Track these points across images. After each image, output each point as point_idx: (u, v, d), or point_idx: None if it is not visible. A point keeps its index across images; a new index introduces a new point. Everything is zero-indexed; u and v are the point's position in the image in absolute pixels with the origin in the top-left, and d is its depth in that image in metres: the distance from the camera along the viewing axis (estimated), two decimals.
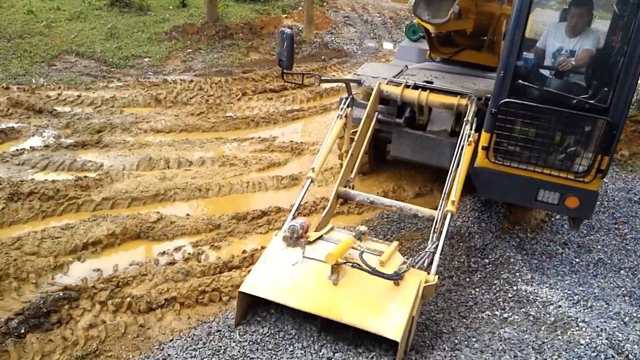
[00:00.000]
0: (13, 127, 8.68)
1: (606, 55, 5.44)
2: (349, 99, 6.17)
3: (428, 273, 4.25)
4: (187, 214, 6.71)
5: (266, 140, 9.17)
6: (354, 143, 5.85)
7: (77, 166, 7.66)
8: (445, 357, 4.10)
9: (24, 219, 6.29)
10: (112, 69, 12.35)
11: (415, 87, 6.26)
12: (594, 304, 5.02)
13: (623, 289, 5.52)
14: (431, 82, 6.50)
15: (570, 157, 5.06)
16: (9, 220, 6.22)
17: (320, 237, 4.58)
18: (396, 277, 4.02)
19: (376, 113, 6.30)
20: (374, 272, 4.02)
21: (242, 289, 4.27)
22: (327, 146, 5.65)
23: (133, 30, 14.76)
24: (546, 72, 5.52)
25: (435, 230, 4.75)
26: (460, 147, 5.29)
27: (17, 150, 7.99)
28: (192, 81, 11.69)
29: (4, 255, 5.48)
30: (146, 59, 13.17)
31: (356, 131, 6.00)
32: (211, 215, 6.75)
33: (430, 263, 4.38)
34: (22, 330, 4.60)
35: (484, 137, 5.21)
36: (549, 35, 5.52)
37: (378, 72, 7.05)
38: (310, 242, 4.49)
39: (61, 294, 4.97)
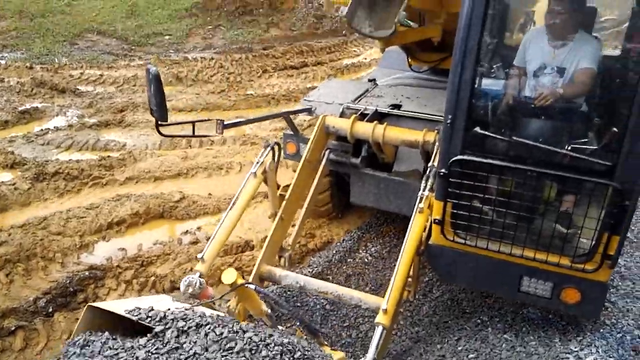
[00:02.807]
0: (37, 107, 8.81)
1: (615, 75, 3.58)
2: (268, 149, 4.39)
3: None
4: (209, 193, 6.75)
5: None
6: (284, 202, 4.40)
7: (100, 146, 7.75)
8: (469, 336, 4.09)
9: (50, 198, 6.40)
10: (134, 47, 12.39)
11: (376, 115, 4.95)
12: (620, 283, 4.91)
13: None
14: (400, 106, 5.13)
15: (564, 234, 3.44)
16: (35, 200, 6.34)
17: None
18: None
19: (327, 152, 4.95)
20: None
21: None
22: (228, 222, 3.94)
23: (153, 8, 14.74)
24: (522, 108, 3.67)
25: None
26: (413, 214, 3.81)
27: (42, 130, 8.11)
28: (212, 59, 11.67)
29: (31, 235, 5.59)
30: (167, 37, 13.17)
31: (287, 186, 4.62)
32: (233, 194, 6.74)
33: None
34: (50, 309, 4.71)
35: (436, 206, 3.66)
36: (528, 47, 3.71)
37: (335, 95, 5.43)
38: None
39: (87, 273, 5.07)
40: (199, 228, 6.06)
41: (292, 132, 5.22)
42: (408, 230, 3.69)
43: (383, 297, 3.47)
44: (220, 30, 13.93)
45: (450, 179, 3.46)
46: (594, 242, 3.30)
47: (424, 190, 3.80)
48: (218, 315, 2.87)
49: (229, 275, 3.01)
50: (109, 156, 7.37)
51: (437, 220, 3.68)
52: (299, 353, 2.53)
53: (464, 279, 4.04)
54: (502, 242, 3.52)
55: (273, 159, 4.41)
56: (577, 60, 3.44)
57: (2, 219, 5.98)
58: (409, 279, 3.77)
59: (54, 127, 8.20)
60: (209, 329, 2.59)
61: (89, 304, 2.86)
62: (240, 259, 5.46)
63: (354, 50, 13.50)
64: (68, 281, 4.94)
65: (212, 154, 7.74)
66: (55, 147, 7.65)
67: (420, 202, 3.75)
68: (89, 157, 7.36)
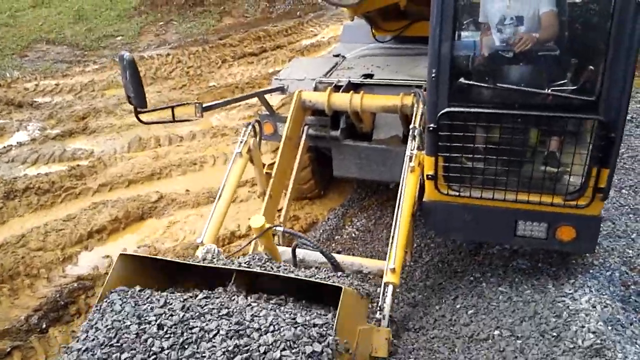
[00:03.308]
0: None
1: (585, 15, 3.72)
2: (250, 127, 4.41)
3: None
4: (187, 190, 6.67)
5: (254, 106, 9.04)
6: (271, 180, 4.41)
7: (67, 156, 7.57)
8: (465, 294, 4.17)
9: (24, 215, 6.24)
10: (86, 53, 12.09)
11: (350, 86, 4.91)
12: (602, 224, 5.09)
13: (627, 207, 5.58)
14: (371, 75, 5.15)
15: (554, 174, 3.58)
16: (9, 219, 6.17)
17: None
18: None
19: (306, 128, 5.00)
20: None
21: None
22: (223, 203, 3.99)
23: (101, 10, 14.37)
24: (500, 56, 3.71)
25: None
26: (402, 175, 3.84)
27: (4, 147, 7.86)
28: (168, 54, 11.47)
29: (11, 255, 5.45)
30: (118, 38, 12.88)
31: (273, 164, 4.60)
32: (211, 187, 6.71)
33: None
34: (44, 325, 4.62)
35: (428, 162, 3.75)
36: (486, 3, 3.73)
37: (306, 71, 5.43)
38: None
39: (75, 285, 4.97)
40: (182, 225, 6.01)
41: (267, 113, 5.18)
42: (401, 190, 3.74)
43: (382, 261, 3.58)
44: (172, 25, 13.67)
45: (440, 133, 3.57)
46: (584, 178, 3.44)
47: (412, 150, 3.84)
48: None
49: (258, 220, 3.30)
50: (78, 165, 7.20)
51: (429, 176, 3.79)
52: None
53: (461, 232, 4.16)
54: (495, 189, 3.66)
55: (255, 137, 4.42)
56: (535, 6, 3.50)
57: None
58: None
59: (17, 143, 7.96)
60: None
61: (121, 253, 3.04)
62: (229, 250, 5.44)
63: (311, 31, 13.43)
64: (57, 295, 4.84)
65: (184, 150, 7.64)
66: (21, 163, 7.43)
67: (410, 161, 3.80)
68: (57, 169, 7.17)
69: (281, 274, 2.98)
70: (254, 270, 3.01)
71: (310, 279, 2.93)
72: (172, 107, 4.13)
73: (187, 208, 6.28)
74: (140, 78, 3.72)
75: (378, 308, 3.36)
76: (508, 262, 4.62)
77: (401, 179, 3.82)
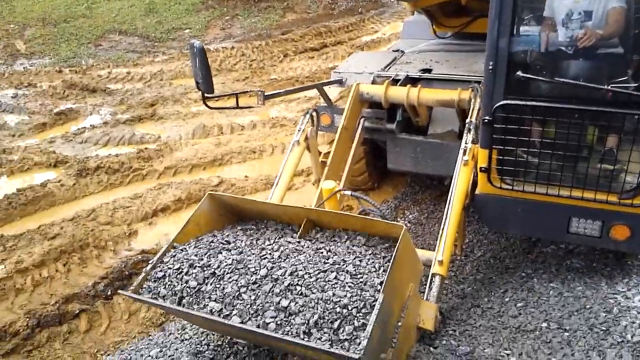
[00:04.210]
0: (71, 107, 9.09)
1: None
2: (307, 116, 4.63)
3: None
4: (246, 176, 6.92)
5: (312, 99, 9.23)
6: (326, 168, 4.47)
7: (136, 139, 7.99)
8: (515, 288, 4.19)
9: (95, 192, 6.66)
10: (156, 44, 12.63)
11: (408, 80, 4.96)
12: None
13: None
14: (430, 70, 5.19)
15: (610, 172, 3.53)
16: (81, 195, 6.60)
17: None
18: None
19: (362, 120, 5.01)
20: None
21: None
22: (279, 188, 4.22)
23: (170, 3, 14.93)
24: (560, 51, 3.69)
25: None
26: (455, 168, 3.92)
27: (79, 129, 8.38)
28: (233, 48, 11.83)
29: (82, 227, 5.84)
30: (187, 31, 13.36)
31: (329, 153, 4.64)
32: (268, 175, 6.94)
33: None
34: (109, 292, 4.95)
35: (482, 155, 3.77)
36: None
37: (365, 64, 5.51)
38: None
39: (140, 257, 5.29)
40: None
41: (325, 105, 5.33)
42: (453, 183, 3.80)
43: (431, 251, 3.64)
44: (237, 19, 14.07)
45: (495, 125, 3.59)
46: None
47: (466, 143, 3.88)
48: None
49: (328, 184, 3.97)
50: (146, 148, 7.59)
51: (483, 169, 3.79)
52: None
53: (513, 226, 4.15)
54: (549, 184, 3.65)
55: (312, 126, 4.60)
56: (603, 1, 3.46)
57: (53, 214, 6.24)
58: (456, 234, 3.85)
59: (90, 126, 8.47)
60: None
61: (209, 192, 3.61)
62: None
63: (372, 27, 13.50)
64: (123, 265, 5.17)
65: (244, 139, 7.91)
66: (93, 144, 7.91)
67: (464, 154, 3.84)
68: (127, 151, 7.60)
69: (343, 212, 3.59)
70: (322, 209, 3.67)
71: (373, 218, 3.46)
72: (237, 95, 4.33)
73: (245, 193, 6.52)
74: (208, 65, 3.93)
75: (425, 299, 3.42)
76: (562, 260, 4.59)
77: (454, 172, 3.87)
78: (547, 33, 3.67)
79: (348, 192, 4.06)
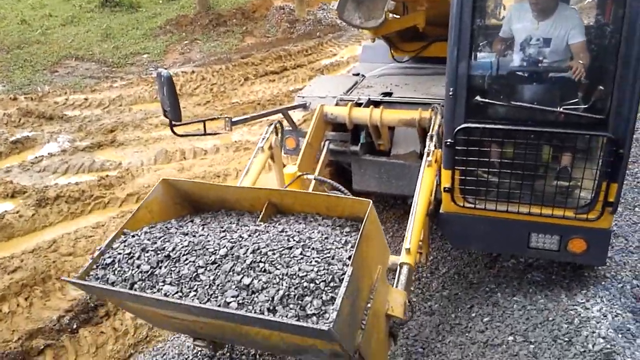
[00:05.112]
0: (28, 136, 8.89)
1: (595, 42, 3.88)
2: (273, 125, 4.66)
3: None
4: None
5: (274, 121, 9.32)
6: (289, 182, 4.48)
7: (96, 167, 7.87)
8: (481, 303, 4.31)
9: (56, 222, 6.52)
10: (114, 69, 12.50)
11: (370, 103, 5.08)
12: (614, 240, 5.19)
13: (639, 224, 5.69)
14: (390, 94, 5.33)
15: (566, 188, 3.77)
16: (41, 225, 6.45)
17: None
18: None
19: (327, 142, 5.15)
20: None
21: None
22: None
23: (127, 29, 14.84)
24: (516, 74, 3.92)
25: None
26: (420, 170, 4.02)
27: (36, 157, 8.20)
28: (193, 72, 11.82)
29: (43, 259, 5.70)
30: (145, 55, 13.29)
31: None
32: None
33: None
34: (75, 326, 4.85)
35: (445, 175, 3.96)
36: (512, 20, 3.97)
37: (327, 89, 5.63)
38: None
39: None
40: None
41: (290, 128, 5.41)
42: (418, 183, 3.87)
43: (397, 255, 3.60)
44: (197, 44, 14.08)
45: (457, 147, 3.77)
46: (594, 192, 3.61)
47: (429, 147, 4.04)
48: None
49: (290, 168, 3.97)
50: (107, 175, 7.49)
51: (446, 189, 3.97)
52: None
53: (476, 243, 4.34)
54: (509, 202, 3.83)
55: (277, 135, 4.65)
56: (564, 32, 3.71)
57: (12, 246, 6.08)
58: (420, 242, 3.85)
59: (48, 154, 8.30)
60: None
61: (163, 178, 3.41)
62: None
63: (330, 51, 13.74)
64: (88, 297, 5.07)
65: (208, 163, 7.90)
66: (52, 173, 7.75)
67: (428, 156, 3.98)
68: (87, 179, 7.48)
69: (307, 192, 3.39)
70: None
71: (339, 195, 3.25)
72: (204, 121, 4.39)
73: None
74: (176, 94, 3.99)
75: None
76: (523, 274, 4.75)
77: (419, 174, 3.98)
78: (502, 55, 3.90)
79: (311, 177, 4.01)
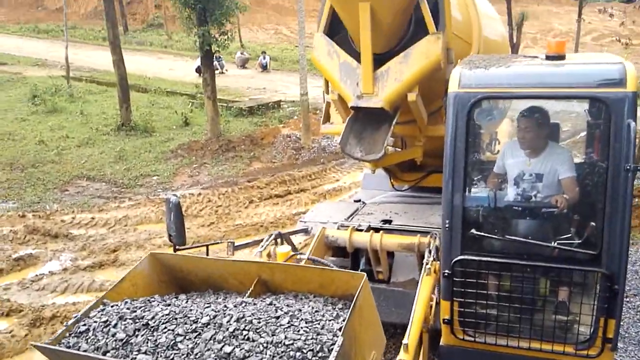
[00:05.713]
0: (31, 253, 8.95)
1: (585, 178, 4.04)
2: (271, 237, 4.75)
3: None
4: None
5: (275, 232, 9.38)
6: None
7: (95, 287, 7.84)
8: None
9: None
10: (123, 190, 12.83)
11: (370, 229, 5.18)
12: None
13: None
14: (390, 221, 5.48)
15: (564, 322, 3.71)
16: (31, 347, 6.28)
17: None
18: None
19: None
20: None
21: None
22: None
23: (140, 151, 15.45)
24: (511, 208, 4.05)
25: None
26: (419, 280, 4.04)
27: (36, 275, 8.21)
28: (200, 194, 12.12)
29: None
30: (154, 177, 13.70)
31: None
32: None
33: None
34: None
35: (444, 306, 3.94)
36: (506, 156, 4.17)
37: (329, 215, 5.80)
38: None
39: None
40: None
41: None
42: (418, 288, 3.82)
43: None
44: (205, 167, 14.57)
45: (455, 279, 3.80)
46: (592, 328, 3.57)
47: (428, 259, 4.10)
48: None
49: (283, 248, 4.19)
50: None
51: (446, 320, 3.96)
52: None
53: None
54: (509, 336, 3.75)
55: (275, 246, 4.77)
56: (555, 168, 3.90)
57: None
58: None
59: (49, 272, 8.31)
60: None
61: (151, 252, 3.20)
62: None
63: (333, 176, 14.16)
64: None
65: None
66: (50, 292, 7.71)
67: (427, 264, 4.02)
68: (85, 299, 7.41)
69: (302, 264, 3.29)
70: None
71: (330, 267, 3.22)
72: (207, 245, 4.49)
73: None
74: (183, 219, 4.13)
75: None
76: None
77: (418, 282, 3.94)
78: (496, 189, 4.06)
79: (304, 256, 4.06)
